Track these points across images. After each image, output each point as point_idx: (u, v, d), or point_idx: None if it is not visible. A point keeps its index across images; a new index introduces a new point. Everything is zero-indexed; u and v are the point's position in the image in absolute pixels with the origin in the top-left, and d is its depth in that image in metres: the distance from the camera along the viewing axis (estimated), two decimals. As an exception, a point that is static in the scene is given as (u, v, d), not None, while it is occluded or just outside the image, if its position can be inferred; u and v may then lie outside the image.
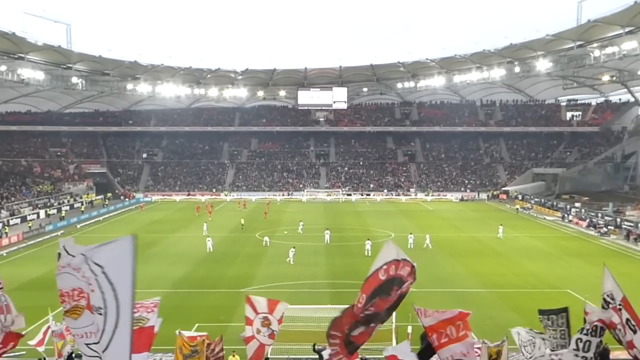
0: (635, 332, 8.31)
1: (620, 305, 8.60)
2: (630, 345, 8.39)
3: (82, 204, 77.79)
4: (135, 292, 5.42)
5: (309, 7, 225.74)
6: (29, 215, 66.82)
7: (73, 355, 19.35)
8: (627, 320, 8.40)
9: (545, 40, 71.48)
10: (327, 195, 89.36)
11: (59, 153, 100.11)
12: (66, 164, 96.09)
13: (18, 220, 63.72)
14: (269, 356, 21.63)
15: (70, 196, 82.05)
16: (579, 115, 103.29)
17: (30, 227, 59.05)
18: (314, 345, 15.41)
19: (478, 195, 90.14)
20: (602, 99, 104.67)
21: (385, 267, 7.20)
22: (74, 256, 5.70)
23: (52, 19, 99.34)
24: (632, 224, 56.30)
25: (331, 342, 7.38)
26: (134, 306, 5.55)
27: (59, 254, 5.83)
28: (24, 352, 19.40)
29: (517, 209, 73.58)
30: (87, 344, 5.83)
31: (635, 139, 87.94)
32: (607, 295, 9.10)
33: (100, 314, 5.53)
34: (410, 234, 48.62)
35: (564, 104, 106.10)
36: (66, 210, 72.67)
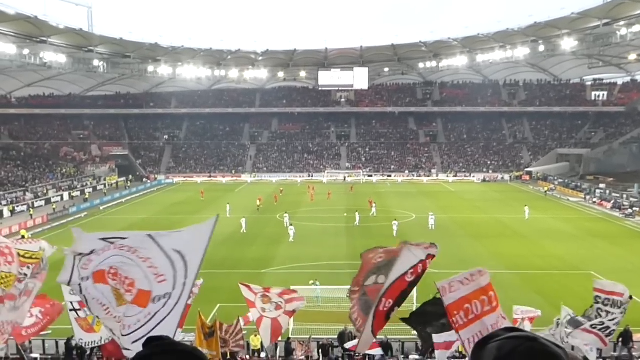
0: None
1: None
2: None
3: (105, 186, 78.62)
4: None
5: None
6: (53, 197, 67.72)
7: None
8: None
9: (570, 19, 70.16)
10: (348, 177, 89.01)
11: (81, 136, 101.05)
12: (89, 146, 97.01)
13: (42, 203, 64.68)
14: (290, 336, 21.79)
15: (93, 178, 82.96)
16: (605, 95, 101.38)
17: (54, 209, 59.73)
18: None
19: (502, 177, 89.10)
20: (628, 79, 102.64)
21: (412, 270, 7.08)
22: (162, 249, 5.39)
23: (73, 2, 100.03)
24: (658, 205, 55.51)
25: (351, 297, 7.80)
26: (194, 286, 5.44)
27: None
28: (50, 332, 19.60)
29: (546, 191, 72.33)
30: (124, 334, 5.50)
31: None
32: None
33: (161, 299, 5.36)
34: (431, 213, 48.41)
35: (590, 83, 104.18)
36: (89, 193, 73.42)
